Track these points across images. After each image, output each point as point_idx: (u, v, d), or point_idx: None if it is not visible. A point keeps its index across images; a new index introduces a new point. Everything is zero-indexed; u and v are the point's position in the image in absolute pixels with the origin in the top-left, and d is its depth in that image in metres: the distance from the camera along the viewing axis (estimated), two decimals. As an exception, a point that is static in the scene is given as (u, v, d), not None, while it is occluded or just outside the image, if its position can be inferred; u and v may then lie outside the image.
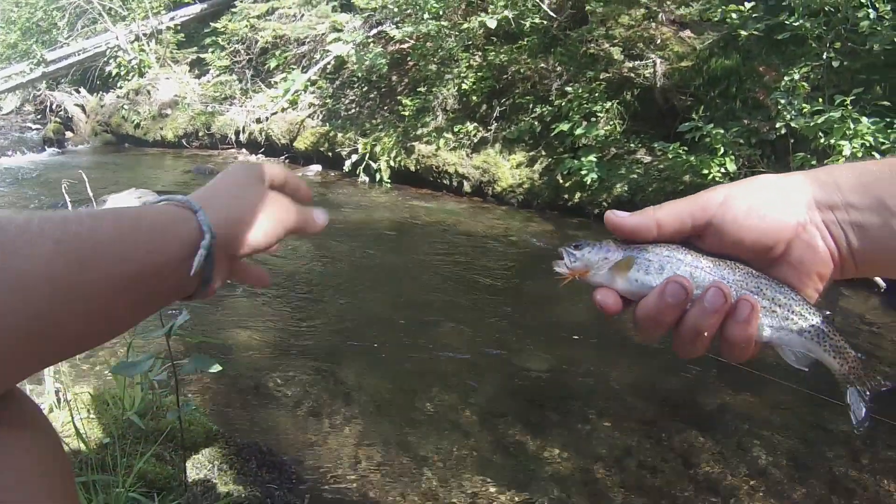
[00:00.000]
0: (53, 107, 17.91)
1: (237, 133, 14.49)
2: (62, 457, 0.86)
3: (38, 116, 19.16)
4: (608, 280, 0.99)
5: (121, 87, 17.05)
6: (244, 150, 14.49)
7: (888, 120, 6.43)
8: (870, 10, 7.03)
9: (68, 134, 17.00)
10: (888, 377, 0.96)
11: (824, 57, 7.45)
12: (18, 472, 0.75)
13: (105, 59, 17.55)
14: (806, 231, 0.94)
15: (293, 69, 14.41)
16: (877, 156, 6.27)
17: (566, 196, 9.59)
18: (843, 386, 0.98)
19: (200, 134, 15.14)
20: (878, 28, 6.94)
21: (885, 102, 6.77)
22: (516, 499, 3.55)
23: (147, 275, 0.86)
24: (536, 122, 10.33)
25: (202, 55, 16.41)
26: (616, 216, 1.00)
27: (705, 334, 0.93)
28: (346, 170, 12.08)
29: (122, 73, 17.10)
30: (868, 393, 0.96)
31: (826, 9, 7.36)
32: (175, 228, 0.92)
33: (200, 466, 3.23)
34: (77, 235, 0.79)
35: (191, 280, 0.93)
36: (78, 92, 18.06)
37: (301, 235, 1.13)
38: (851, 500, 3.59)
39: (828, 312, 0.96)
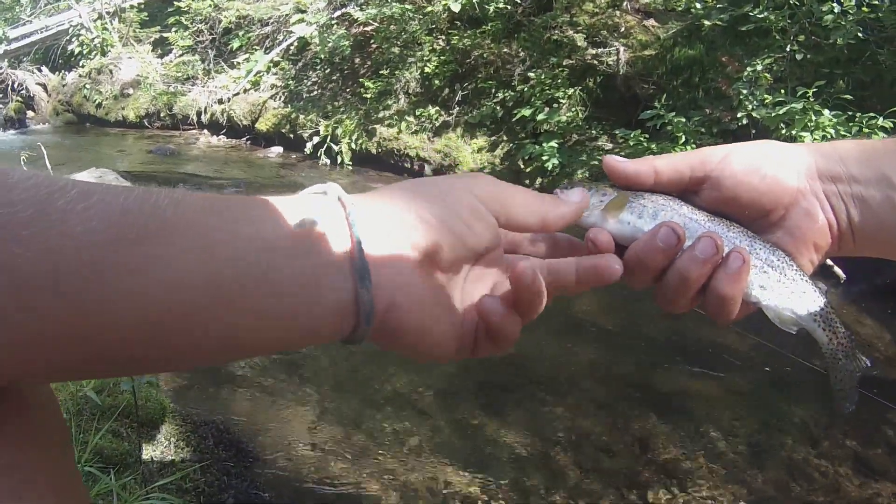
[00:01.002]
0: (15, 86, 17.55)
1: (199, 114, 14.34)
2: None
3: (0, 96, 18.87)
4: (600, 220, 0.94)
5: (83, 66, 16.75)
6: (206, 131, 14.38)
7: (850, 113, 6.45)
8: (834, 5, 7.06)
9: (30, 113, 16.74)
10: (868, 357, 0.94)
11: (788, 49, 7.46)
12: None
13: (68, 37, 17.24)
14: (805, 198, 0.91)
15: (256, 50, 14.29)
16: None
17: (527, 181, 9.52)
18: (831, 361, 0.95)
19: (162, 114, 14.95)
20: (842, 22, 6.95)
21: (848, 96, 6.76)
22: (474, 480, 3.55)
23: (254, 242, 0.66)
24: (499, 107, 10.33)
25: (165, 34, 16.13)
26: (614, 160, 0.95)
27: (691, 284, 0.88)
28: (308, 152, 11.98)
29: (85, 52, 16.79)
30: (856, 373, 0.95)
31: (791, 2, 7.39)
32: (301, 204, 0.72)
33: (157, 443, 3.25)
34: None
35: (323, 272, 0.69)
36: (40, 70, 17.77)
37: (543, 229, 0.86)
38: (810, 485, 3.61)
39: (821, 285, 0.94)
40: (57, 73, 17.61)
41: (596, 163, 8.98)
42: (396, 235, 0.73)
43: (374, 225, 0.72)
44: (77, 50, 16.89)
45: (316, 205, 0.71)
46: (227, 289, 0.63)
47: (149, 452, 3.09)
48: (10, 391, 0.62)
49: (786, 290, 0.92)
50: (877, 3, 6.93)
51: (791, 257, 0.92)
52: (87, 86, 16.24)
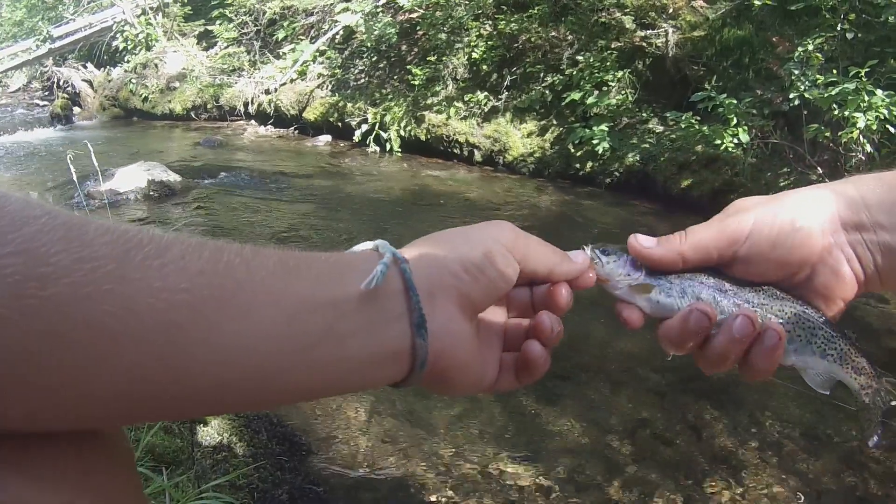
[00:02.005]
0: (61, 83, 17.80)
1: (246, 105, 14.42)
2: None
3: (46, 93, 19.07)
4: (628, 296, 0.96)
5: (128, 62, 16.91)
6: (253, 122, 14.42)
7: None
8: (886, -18, 6.91)
9: (76, 109, 16.89)
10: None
11: (838, 28, 7.38)
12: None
13: (111, 33, 17.43)
14: (831, 255, 0.90)
15: (301, 40, 14.32)
16: (892, 129, 6.32)
17: (577, 165, 9.56)
18: (862, 405, 0.96)
19: (209, 106, 15.05)
20: (894, 0, 6.84)
21: None
22: (529, 469, 3.52)
23: (320, 305, 0.70)
24: (547, 92, 10.29)
25: (209, 27, 16.23)
26: (640, 244, 0.95)
27: (730, 360, 0.90)
28: (356, 140, 11.99)
29: (129, 48, 16.96)
30: (882, 408, 0.95)
31: (840, -21, 7.24)
32: (354, 261, 0.78)
33: (209, 439, 3.20)
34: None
35: (383, 325, 0.75)
36: (85, 67, 17.94)
37: (548, 278, 0.91)
38: (863, 474, 3.55)
39: (850, 333, 0.94)
40: (102, 69, 17.78)
41: (647, 146, 9.00)
42: (446, 286, 0.79)
43: (425, 278, 0.78)
44: (121, 46, 17.07)
45: (372, 261, 0.76)
46: (298, 346, 0.68)
47: (201, 449, 3.06)
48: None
49: (817, 351, 0.93)
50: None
51: (819, 311, 0.92)
52: (133, 80, 16.39)
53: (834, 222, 0.89)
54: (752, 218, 0.91)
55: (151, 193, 8.53)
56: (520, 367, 0.92)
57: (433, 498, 3.30)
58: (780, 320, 0.92)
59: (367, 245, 0.82)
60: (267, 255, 0.69)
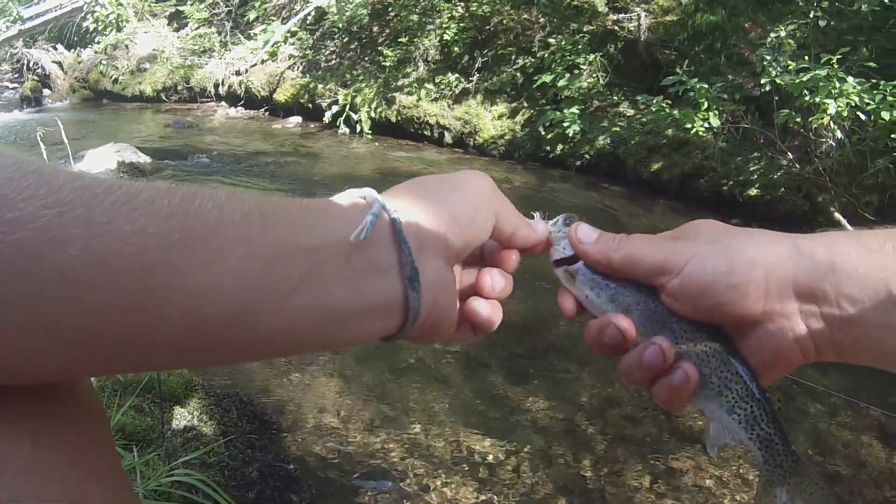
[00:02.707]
0: (30, 65, 17.55)
1: (216, 86, 14.35)
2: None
3: (16, 75, 18.75)
4: (563, 278, 0.92)
5: (98, 43, 16.70)
6: (223, 103, 14.37)
7: (874, 81, 6.28)
8: (859, -30, 6.91)
9: (46, 92, 16.73)
10: (827, 481, 0.81)
11: (811, 15, 7.33)
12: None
13: (82, 14, 17.21)
14: (773, 322, 0.81)
15: (273, 20, 14.24)
16: (862, 116, 6.29)
17: (548, 148, 9.59)
18: (766, 484, 0.85)
19: (179, 88, 14.96)
20: None
21: (872, 64, 6.60)
22: (498, 447, 3.51)
23: (300, 250, 0.67)
24: (519, 74, 10.30)
25: (181, 7, 16.11)
26: (576, 235, 0.90)
27: (635, 381, 0.85)
28: (327, 121, 11.89)
29: (100, 28, 16.74)
30: (796, 500, 0.84)
31: (814, -33, 7.23)
32: (340, 209, 0.75)
33: (180, 417, 3.20)
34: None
35: (373, 277, 0.73)
36: (55, 49, 17.77)
37: (508, 242, 0.90)
38: (831, 454, 3.58)
39: (770, 396, 0.84)
40: (72, 50, 17.61)
41: (617, 129, 9.00)
42: (438, 238, 0.77)
43: (416, 228, 0.76)
44: (92, 26, 16.85)
45: (359, 210, 0.74)
46: (276, 291, 0.65)
47: (172, 427, 3.06)
48: (60, 383, 0.65)
49: (725, 406, 0.84)
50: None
51: (746, 366, 0.83)
52: (104, 62, 16.21)
53: (784, 288, 0.79)
54: (691, 253, 0.83)
55: (121, 175, 8.34)
56: (468, 316, 0.88)
57: (403, 475, 3.30)
58: (698, 361, 0.83)
59: (353, 192, 0.78)
60: (242, 200, 0.66)
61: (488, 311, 0.86)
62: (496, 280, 0.87)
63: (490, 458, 3.43)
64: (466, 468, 3.36)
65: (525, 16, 10.54)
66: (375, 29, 12.65)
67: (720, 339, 0.83)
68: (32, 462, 0.58)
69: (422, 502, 3.15)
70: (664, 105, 7.91)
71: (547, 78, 9.55)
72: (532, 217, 0.93)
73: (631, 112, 9.21)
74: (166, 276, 0.58)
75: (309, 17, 13.68)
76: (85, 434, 0.65)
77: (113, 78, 15.94)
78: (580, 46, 9.64)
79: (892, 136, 6.15)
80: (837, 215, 6.75)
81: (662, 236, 0.88)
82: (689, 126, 7.58)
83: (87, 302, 0.55)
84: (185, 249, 0.60)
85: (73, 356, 0.58)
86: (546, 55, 9.85)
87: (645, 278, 0.85)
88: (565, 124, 9.08)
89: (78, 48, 17.55)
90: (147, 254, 0.57)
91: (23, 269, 0.52)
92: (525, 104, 10.17)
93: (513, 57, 10.45)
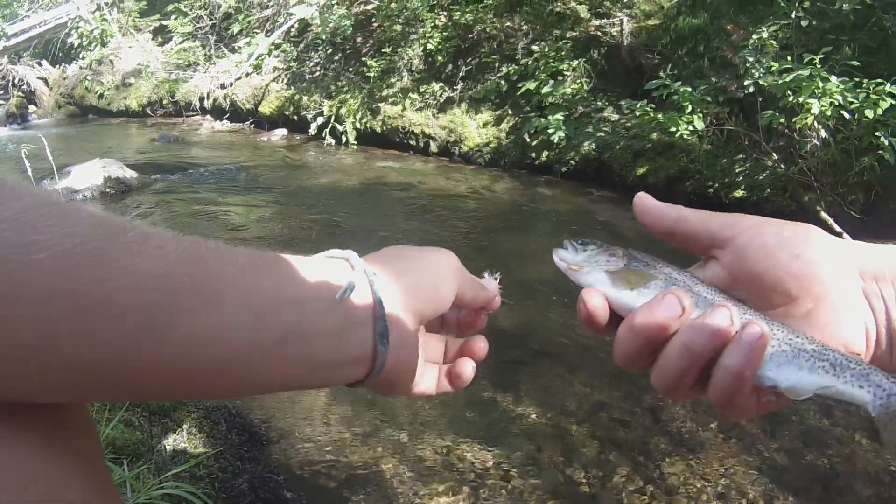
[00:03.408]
0: (15, 81, 17.50)
1: (201, 99, 14.34)
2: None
3: (1, 92, 18.73)
4: (598, 283, 0.87)
5: (83, 59, 16.70)
6: (209, 117, 14.35)
7: (857, 80, 6.28)
8: (840, -30, 6.90)
9: (31, 108, 16.75)
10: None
11: (793, 16, 7.30)
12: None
13: (66, 30, 17.22)
14: (841, 293, 0.76)
15: (257, 33, 14.23)
16: (846, 115, 6.28)
17: (533, 155, 9.55)
18: (880, 419, 0.75)
19: (164, 102, 14.93)
20: None
21: (854, 62, 6.62)
22: (488, 454, 3.47)
23: (288, 304, 0.72)
24: (503, 82, 10.27)
25: (165, 22, 16.08)
26: (645, 198, 0.89)
27: (695, 359, 0.75)
28: (312, 133, 11.89)
29: (85, 44, 16.75)
30: None
31: (795, -33, 7.23)
32: (324, 267, 0.80)
33: (169, 430, 3.19)
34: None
35: (350, 331, 0.78)
36: (40, 65, 17.73)
37: (469, 304, 0.98)
38: (822, 453, 3.52)
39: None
40: (57, 66, 17.58)
41: (602, 134, 8.96)
42: (406, 303, 0.83)
43: (389, 292, 0.82)
44: (77, 42, 16.87)
45: (345, 272, 0.81)
46: (266, 342, 0.69)
47: (161, 441, 3.04)
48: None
49: (806, 365, 0.75)
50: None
51: (811, 337, 0.76)
52: (89, 77, 16.20)
53: (847, 261, 0.77)
54: (751, 221, 0.81)
55: (108, 191, 8.43)
56: (453, 377, 0.98)
57: (394, 483, 3.29)
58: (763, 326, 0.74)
59: (336, 253, 0.85)
60: (239, 253, 0.71)
61: (468, 369, 0.97)
62: (480, 347, 0.99)
63: (479, 464, 3.40)
64: (456, 475, 3.33)
65: (508, 23, 10.50)
66: (359, 40, 12.63)
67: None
68: (30, 472, 0.60)
69: (413, 511, 3.12)
70: (648, 109, 7.89)
71: (531, 85, 9.53)
72: (482, 276, 1.01)
73: (615, 117, 9.19)
74: (167, 316, 0.61)
75: (293, 30, 13.67)
76: (75, 445, 0.67)
77: (98, 93, 15.92)
78: (563, 53, 9.62)
79: (877, 133, 6.13)
80: (824, 214, 6.72)
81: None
82: (673, 129, 7.57)
83: (85, 330, 0.57)
84: (188, 293, 0.63)
85: (69, 380, 0.60)
86: (529, 62, 9.84)
87: (711, 237, 0.83)
88: (550, 131, 9.03)
89: (63, 64, 17.52)
90: (152, 293, 0.60)
91: (34, 290, 0.54)
92: (509, 111, 10.13)
93: (496, 65, 10.42)
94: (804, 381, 0.75)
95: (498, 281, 1.01)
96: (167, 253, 0.62)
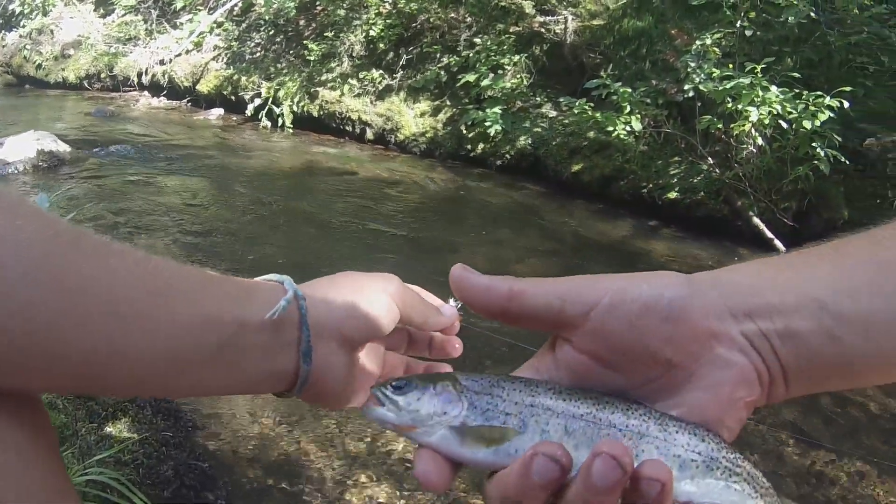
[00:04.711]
0: (-48, 48, 16.93)
1: (140, 75, 13.93)
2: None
3: (-63, 59, 18.14)
4: (445, 444, 0.67)
5: (24, 27, 16.13)
6: (146, 93, 13.98)
7: (797, 91, 6.30)
8: (787, -18, 6.96)
9: (-33, 76, 16.13)
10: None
11: (738, 25, 7.30)
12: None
13: (10, -3, 16.66)
14: (720, 343, 0.65)
15: (200, 10, 13.84)
16: (783, 124, 6.35)
17: (469, 147, 9.49)
18: None
19: (102, 76, 14.49)
20: (795, 1, 6.85)
21: (796, 74, 6.66)
22: (413, 445, 3.26)
23: (224, 322, 0.76)
24: (443, 72, 10.17)
25: (108, -6, 15.62)
26: (462, 270, 0.71)
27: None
28: (249, 114, 11.67)
29: (26, 12, 16.17)
30: None
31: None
32: (260, 289, 0.83)
33: (93, 414, 3.18)
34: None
35: (277, 349, 0.81)
36: (-21, 32, 17.13)
37: (422, 328, 0.97)
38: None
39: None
40: (-3, 34, 16.98)
41: (539, 130, 8.90)
42: (331, 326, 0.85)
43: (317, 316, 0.84)
44: (18, 10, 16.27)
45: (278, 294, 0.82)
46: (204, 352, 0.74)
47: (86, 425, 3.02)
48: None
49: (723, 477, 0.65)
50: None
51: (715, 434, 0.66)
52: (28, 47, 15.67)
53: (716, 306, 0.66)
54: (606, 283, 0.67)
55: (41, 164, 8.28)
56: None
57: (320, 472, 3.29)
58: (665, 452, 0.64)
59: (273, 277, 0.88)
60: (189, 270, 0.76)
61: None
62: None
63: (408, 455, 3.36)
64: (384, 465, 3.34)
65: (452, 15, 10.42)
66: (302, 22, 12.39)
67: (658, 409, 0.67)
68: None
69: (339, 500, 3.11)
70: (587, 107, 7.77)
71: (471, 77, 9.39)
72: (449, 302, 0.97)
73: (553, 113, 9.12)
74: (135, 321, 0.67)
75: (236, 8, 13.35)
76: (38, 437, 0.68)
77: (36, 63, 15.41)
78: (506, 47, 9.52)
79: (814, 144, 6.13)
80: (756, 220, 6.73)
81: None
82: (610, 129, 7.50)
83: (75, 324, 0.63)
84: (147, 305, 0.68)
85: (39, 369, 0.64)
86: (471, 54, 9.72)
87: (557, 315, 0.67)
88: (487, 124, 8.90)
89: (3, 31, 16.94)
90: (119, 304, 0.66)
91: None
92: (448, 102, 10.02)
93: (438, 55, 10.31)
94: (722, 497, 0.66)
95: (458, 308, 0.97)
96: (137, 268, 0.69)
